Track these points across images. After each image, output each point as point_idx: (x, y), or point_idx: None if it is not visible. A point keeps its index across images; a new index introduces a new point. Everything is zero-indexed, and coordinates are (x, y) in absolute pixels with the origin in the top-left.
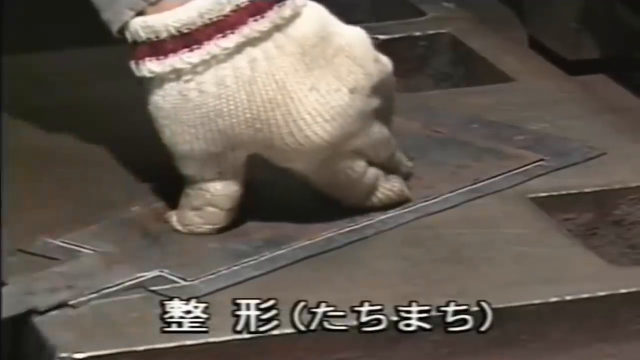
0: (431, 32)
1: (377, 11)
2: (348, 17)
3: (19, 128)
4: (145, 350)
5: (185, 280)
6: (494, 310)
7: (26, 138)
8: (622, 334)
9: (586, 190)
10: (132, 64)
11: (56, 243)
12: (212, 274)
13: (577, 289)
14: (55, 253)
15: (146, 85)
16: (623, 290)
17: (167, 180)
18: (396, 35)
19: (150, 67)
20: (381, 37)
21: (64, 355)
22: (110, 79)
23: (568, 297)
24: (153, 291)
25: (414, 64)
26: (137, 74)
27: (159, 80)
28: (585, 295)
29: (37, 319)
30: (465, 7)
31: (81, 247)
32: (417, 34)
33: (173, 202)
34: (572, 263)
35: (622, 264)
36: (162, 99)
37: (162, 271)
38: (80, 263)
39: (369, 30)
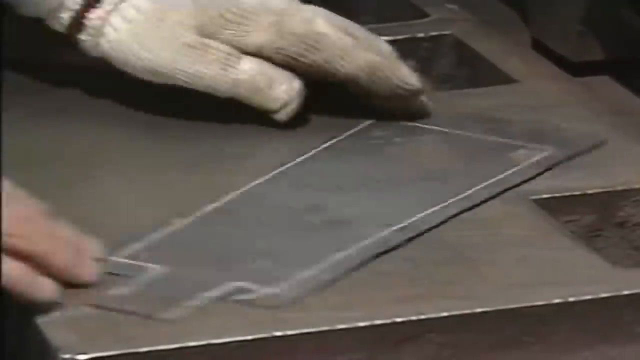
0: (434, 33)
1: (380, 13)
2: (351, 18)
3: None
4: (147, 352)
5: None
6: (496, 312)
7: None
8: (626, 335)
9: (589, 191)
10: (85, 32)
11: (118, 260)
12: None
13: (581, 291)
14: (121, 269)
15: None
16: (626, 292)
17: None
18: (399, 37)
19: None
20: (384, 38)
21: (66, 356)
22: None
23: (571, 299)
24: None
25: (417, 65)
26: (94, 35)
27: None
28: (589, 297)
29: (40, 320)
30: (469, 9)
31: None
32: (420, 35)
33: None
34: (575, 265)
35: (626, 266)
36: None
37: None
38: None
39: (372, 31)
